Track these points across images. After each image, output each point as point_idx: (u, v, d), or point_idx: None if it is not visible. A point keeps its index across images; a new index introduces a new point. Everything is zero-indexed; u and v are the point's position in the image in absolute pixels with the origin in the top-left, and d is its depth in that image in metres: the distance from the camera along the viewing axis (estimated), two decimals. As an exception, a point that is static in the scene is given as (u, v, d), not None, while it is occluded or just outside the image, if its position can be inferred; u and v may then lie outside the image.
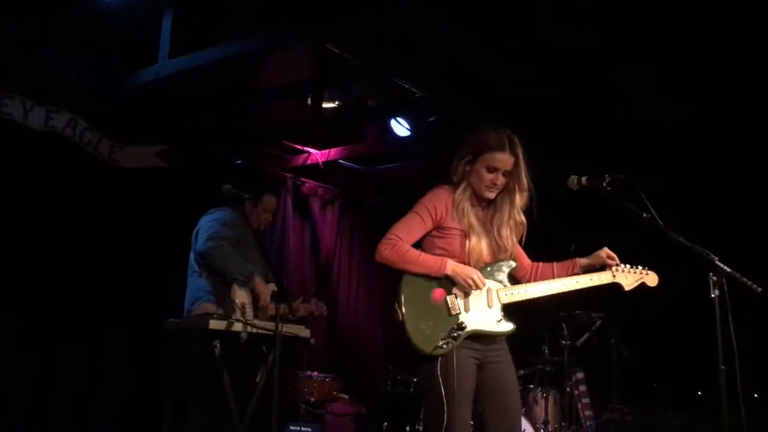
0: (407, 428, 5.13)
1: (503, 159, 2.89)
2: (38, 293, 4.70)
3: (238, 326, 3.36)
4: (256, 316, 3.90)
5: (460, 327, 2.81)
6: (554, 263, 3.11)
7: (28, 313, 4.62)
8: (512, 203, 2.96)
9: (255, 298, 3.93)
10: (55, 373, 4.77)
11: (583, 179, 2.94)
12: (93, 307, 4.86)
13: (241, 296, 3.89)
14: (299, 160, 6.72)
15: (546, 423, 5.15)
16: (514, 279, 3.04)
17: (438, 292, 2.85)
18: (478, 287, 2.85)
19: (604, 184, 2.87)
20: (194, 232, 4.11)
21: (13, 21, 4.64)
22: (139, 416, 4.83)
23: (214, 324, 3.34)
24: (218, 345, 3.46)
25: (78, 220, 4.94)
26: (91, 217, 4.98)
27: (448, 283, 2.88)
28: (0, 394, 4.45)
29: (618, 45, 4.54)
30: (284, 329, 3.33)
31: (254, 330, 3.39)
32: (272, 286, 4.10)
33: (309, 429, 5.15)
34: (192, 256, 4.11)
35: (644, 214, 2.76)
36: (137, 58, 5.05)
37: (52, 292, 4.76)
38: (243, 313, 3.77)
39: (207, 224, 4.05)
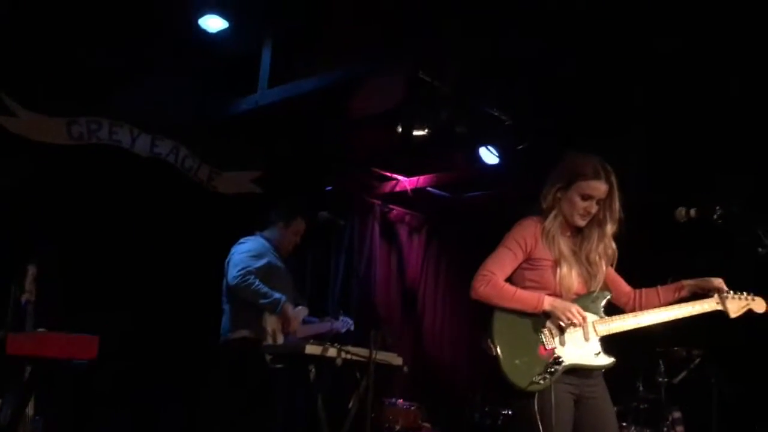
0: (495, 461, 5.04)
1: (599, 187, 2.84)
2: (138, 313, 4.86)
3: (332, 352, 3.41)
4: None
5: (557, 361, 2.74)
6: (659, 287, 3.00)
7: (127, 332, 4.77)
8: (602, 231, 2.90)
9: (284, 323, 4.17)
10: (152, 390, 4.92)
11: (692, 211, 2.85)
12: (197, 331, 4.98)
13: (271, 323, 4.14)
14: (387, 186, 6.79)
15: (641, 463, 4.93)
16: (612, 309, 2.96)
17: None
18: (575, 325, 2.78)
19: (715, 216, 2.76)
20: (227, 260, 4.35)
21: (123, 53, 4.92)
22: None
23: (310, 349, 3.40)
24: (313, 369, 3.52)
25: (178, 244, 5.13)
26: (190, 240, 5.17)
27: (544, 318, 2.83)
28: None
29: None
30: (377, 356, 3.35)
31: (348, 356, 3.42)
32: (303, 310, 4.31)
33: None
34: (225, 284, 4.33)
35: (760, 249, 2.64)
36: (238, 87, 5.25)
37: (151, 312, 4.92)
38: (273, 338, 4.05)
39: (237, 257, 4.28)
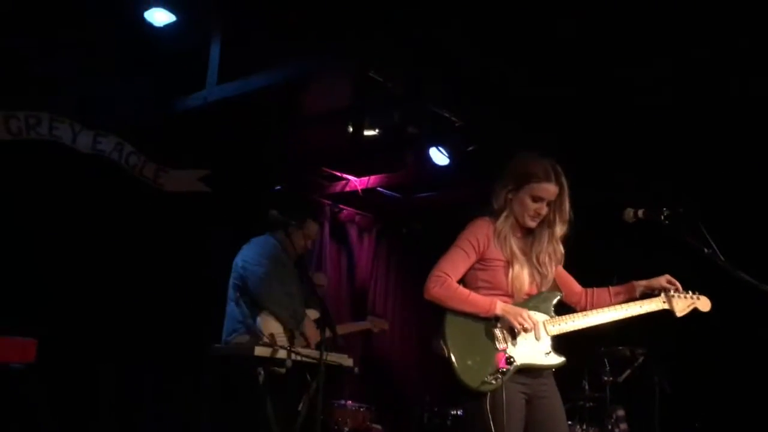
0: (444, 461, 5.05)
1: (549, 189, 2.87)
2: (79, 315, 4.70)
3: (282, 353, 3.35)
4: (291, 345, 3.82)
5: (509, 361, 2.75)
6: (610, 288, 3.04)
7: (67, 334, 4.62)
8: (552, 233, 2.94)
9: (303, 338, 3.88)
10: (93, 396, 4.77)
11: (640, 212, 2.89)
12: (132, 332, 4.84)
13: (270, 327, 3.85)
14: (338, 186, 6.75)
15: (586, 460, 5.02)
16: (563, 309, 2.98)
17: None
18: (526, 330, 2.79)
19: (662, 217, 2.81)
20: (236, 260, 4.06)
21: (64, 46, 4.75)
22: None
23: (259, 351, 3.33)
24: (262, 372, 3.45)
25: (122, 243, 4.98)
26: (134, 240, 5.02)
27: (496, 320, 2.83)
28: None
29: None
30: (328, 358, 3.30)
31: (298, 357, 3.37)
32: (313, 313, 4.07)
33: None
34: (231, 283, 4.08)
35: (705, 249, 2.69)
36: (185, 83, 5.13)
37: (93, 313, 4.76)
38: (273, 342, 3.72)
39: (255, 258, 3.99)
